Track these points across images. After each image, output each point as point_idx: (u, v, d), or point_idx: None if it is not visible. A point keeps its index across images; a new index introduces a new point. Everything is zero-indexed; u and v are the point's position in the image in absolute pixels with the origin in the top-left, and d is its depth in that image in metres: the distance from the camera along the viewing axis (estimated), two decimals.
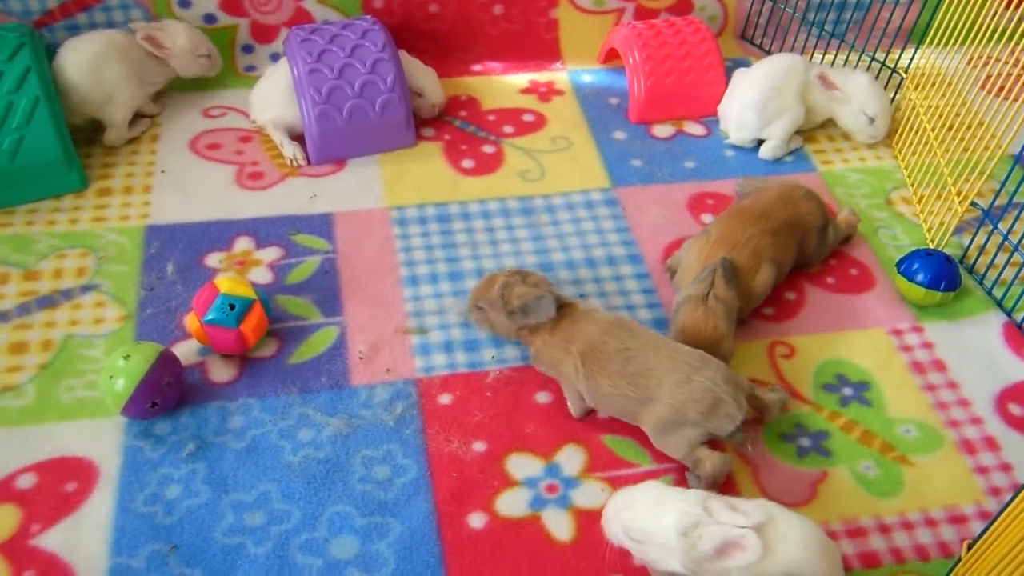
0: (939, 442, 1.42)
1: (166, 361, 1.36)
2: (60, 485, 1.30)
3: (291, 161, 1.83)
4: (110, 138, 1.84)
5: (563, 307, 1.39)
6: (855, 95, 1.92)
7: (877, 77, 2.11)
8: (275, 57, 2.06)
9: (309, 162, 1.84)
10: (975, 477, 1.38)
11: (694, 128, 2.01)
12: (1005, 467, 1.39)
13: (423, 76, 1.93)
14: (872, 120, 1.92)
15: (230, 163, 1.84)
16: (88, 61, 1.78)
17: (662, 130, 1.99)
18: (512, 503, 1.31)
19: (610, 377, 1.32)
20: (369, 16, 1.94)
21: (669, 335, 1.46)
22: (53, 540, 1.24)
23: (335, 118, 1.79)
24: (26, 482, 1.30)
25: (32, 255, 1.62)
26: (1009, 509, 1.03)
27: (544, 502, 1.32)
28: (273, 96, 1.85)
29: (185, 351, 1.48)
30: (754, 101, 1.90)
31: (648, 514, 1.13)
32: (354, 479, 1.33)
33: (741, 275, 1.49)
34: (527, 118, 2.01)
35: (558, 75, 2.14)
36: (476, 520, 1.29)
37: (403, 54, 1.92)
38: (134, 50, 1.86)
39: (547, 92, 2.09)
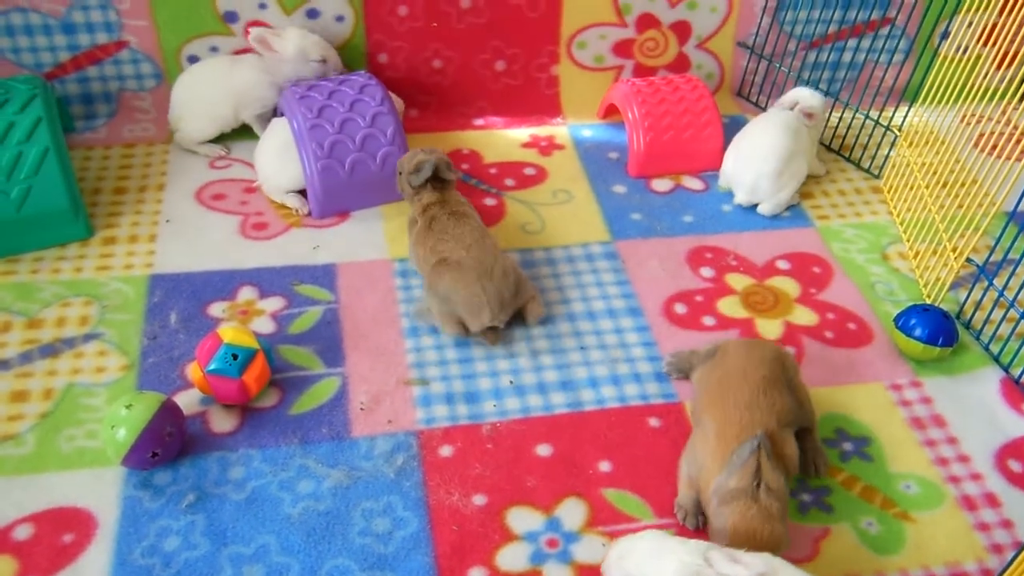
0: (940, 498, 1.42)
1: (168, 411, 1.36)
2: (58, 536, 1.29)
3: (297, 211, 1.86)
4: (177, 138, 1.99)
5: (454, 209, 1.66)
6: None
7: (871, 135, 2.15)
8: None
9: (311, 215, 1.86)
10: (976, 534, 1.38)
11: (692, 183, 2.04)
12: (1006, 524, 1.39)
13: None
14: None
15: (235, 213, 1.87)
16: (180, 81, 1.97)
17: (661, 184, 2.03)
18: (513, 558, 1.31)
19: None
20: (364, 71, 1.98)
21: (712, 537, 1.26)
22: None
23: (338, 172, 1.82)
24: (23, 533, 1.29)
25: (36, 303, 1.63)
26: (1012, 567, 1.03)
27: (545, 557, 1.31)
28: (272, 167, 1.86)
29: (186, 401, 1.48)
30: (774, 170, 1.91)
31: (648, 563, 1.13)
32: (354, 532, 1.32)
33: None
34: (528, 171, 2.04)
35: (559, 130, 2.18)
36: (477, 575, 1.28)
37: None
38: (231, 75, 1.95)
39: (548, 146, 2.12)
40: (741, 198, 1.96)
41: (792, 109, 1.98)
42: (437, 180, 1.68)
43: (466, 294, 1.56)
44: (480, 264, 1.58)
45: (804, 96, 2.00)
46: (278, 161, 1.85)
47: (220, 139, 2.02)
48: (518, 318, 1.66)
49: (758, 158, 1.93)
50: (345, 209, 1.87)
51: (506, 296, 1.59)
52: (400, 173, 1.74)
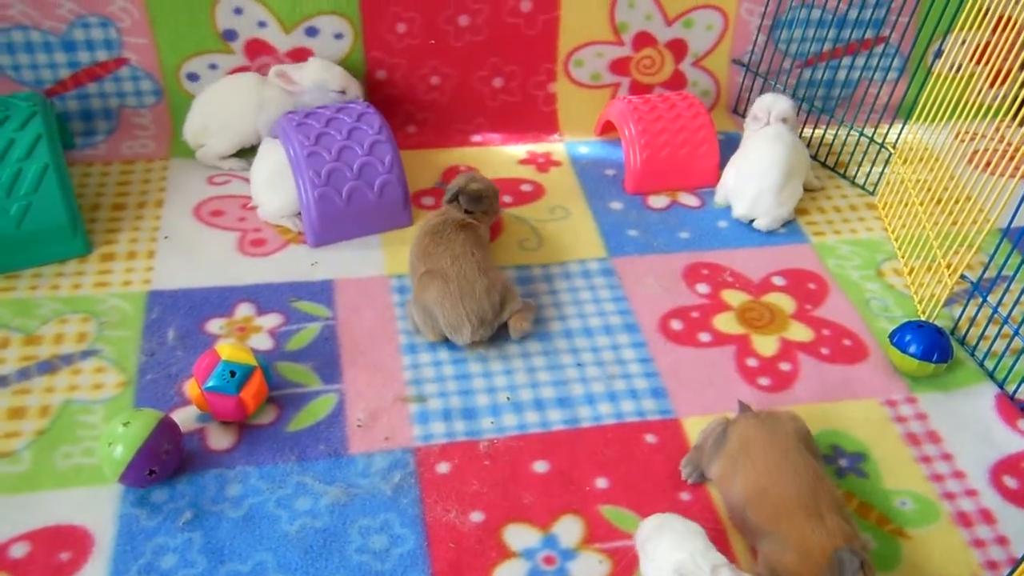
0: (935, 515, 1.43)
1: (165, 428, 1.37)
2: (54, 554, 1.29)
3: (298, 231, 1.86)
4: (199, 154, 2.01)
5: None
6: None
7: (865, 152, 2.17)
8: None
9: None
10: (972, 551, 1.38)
11: (688, 199, 2.05)
12: (1001, 540, 1.40)
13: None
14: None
15: (233, 229, 1.87)
16: (208, 95, 1.99)
17: (657, 201, 2.04)
18: (510, 575, 1.31)
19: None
20: (362, 100, 1.98)
21: None
22: None
23: (334, 200, 1.80)
24: (19, 551, 1.29)
25: (34, 319, 1.64)
26: None
27: (542, 574, 1.31)
28: (264, 195, 1.87)
29: (184, 418, 1.48)
30: (776, 184, 1.93)
31: (662, 546, 1.18)
32: (351, 549, 1.32)
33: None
34: (525, 188, 2.05)
35: (556, 146, 2.19)
36: None
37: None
38: (260, 92, 1.97)
39: (545, 163, 2.14)
40: (740, 211, 1.97)
41: (770, 121, 2.00)
42: (466, 199, 1.76)
43: (448, 310, 1.59)
44: (463, 279, 1.60)
45: (771, 102, 2.03)
46: (269, 188, 1.85)
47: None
48: (507, 331, 1.66)
49: (760, 173, 1.94)
50: (341, 238, 1.85)
51: (488, 314, 1.60)
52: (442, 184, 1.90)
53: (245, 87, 1.98)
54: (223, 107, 1.97)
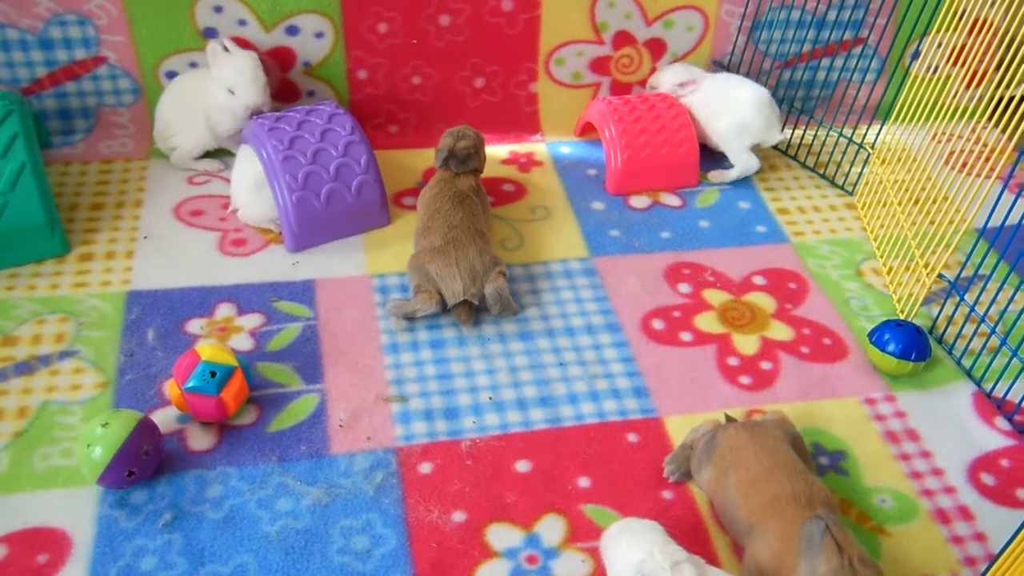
0: (914, 512, 1.44)
1: (145, 429, 1.36)
2: (32, 557, 1.28)
3: (279, 231, 1.85)
4: (172, 158, 1.98)
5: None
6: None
7: (844, 152, 2.19)
8: None
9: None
10: (950, 547, 1.39)
11: (670, 199, 2.06)
12: (979, 537, 1.41)
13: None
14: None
15: (213, 229, 1.86)
16: (165, 94, 1.96)
17: (639, 201, 2.04)
18: (492, 575, 1.30)
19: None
20: (330, 100, 1.96)
21: None
22: None
23: (313, 203, 1.79)
24: None
25: (11, 320, 1.62)
26: None
27: (524, 573, 1.31)
28: (248, 203, 1.84)
29: (163, 418, 1.47)
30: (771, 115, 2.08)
31: (620, 548, 1.19)
32: (333, 550, 1.32)
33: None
34: (507, 188, 2.05)
35: (537, 146, 2.20)
36: None
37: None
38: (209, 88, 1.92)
39: (527, 163, 2.14)
40: (746, 141, 2.06)
41: (678, 89, 2.12)
42: (455, 161, 1.85)
43: (442, 267, 1.67)
44: (458, 244, 1.70)
45: (671, 73, 2.15)
46: (254, 194, 1.82)
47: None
48: (493, 325, 1.67)
49: (754, 102, 2.05)
50: (319, 241, 1.83)
51: (478, 271, 1.68)
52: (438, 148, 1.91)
53: (196, 84, 1.94)
54: (179, 105, 1.94)
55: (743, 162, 2.08)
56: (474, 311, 1.69)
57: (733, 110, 2.05)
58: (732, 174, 2.10)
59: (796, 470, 1.31)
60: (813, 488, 1.28)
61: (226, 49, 1.89)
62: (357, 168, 1.83)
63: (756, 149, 2.10)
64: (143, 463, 1.35)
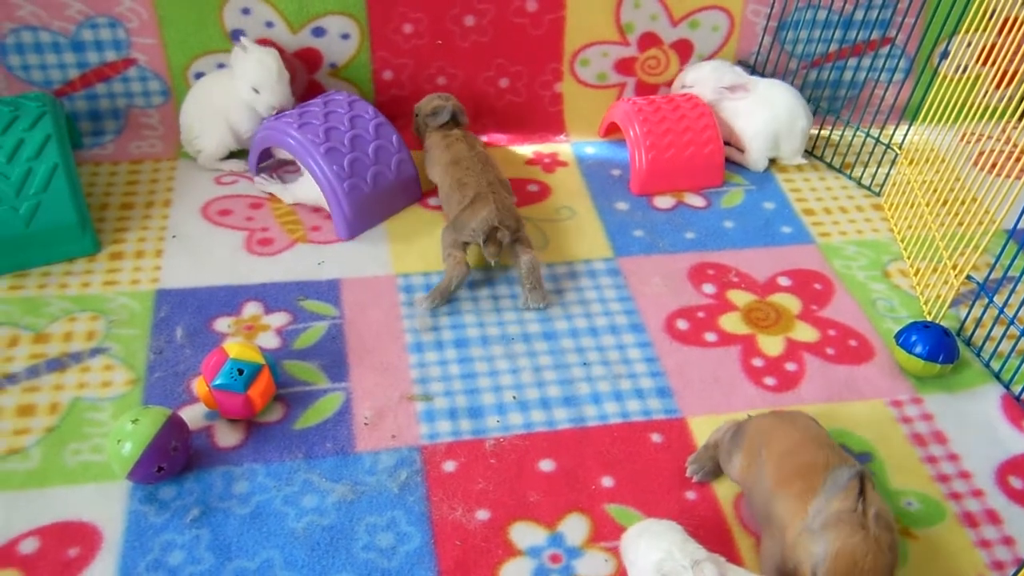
0: (941, 515, 1.43)
1: (174, 425, 1.37)
2: (63, 550, 1.30)
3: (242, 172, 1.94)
4: (199, 160, 2.01)
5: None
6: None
7: (872, 153, 2.17)
8: None
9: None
10: (978, 551, 1.38)
11: (694, 200, 2.05)
12: (1007, 541, 1.40)
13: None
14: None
15: (240, 229, 1.88)
16: (193, 94, 1.99)
17: (663, 201, 2.04)
18: (516, 573, 1.31)
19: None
20: (341, 91, 1.98)
21: (800, 568, 1.14)
22: None
23: (362, 187, 1.85)
24: (29, 547, 1.30)
25: (43, 318, 1.65)
26: None
27: (548, 572, 1.31)
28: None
29: (192, 415, 1.49)
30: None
31: (640, 548, 1.18)
32: (358, 547, 1.33)
33: None
34: (532, 188, 2.06)
35: (562, 147, 2.20)
36: None
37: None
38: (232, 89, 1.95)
39: (551, 163, 2.14)
40: (770, 151, 2.11)
41: (725, 92, 2.12)
42: (453, 122, 1.95)
43: (480, 207, 1.75)
44: (495, 190, 1.80)
45: (713, 72, 2.13)
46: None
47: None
48: (517, 325, 1.67)
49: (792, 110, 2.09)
50: (369, 225, 1.89)
51: (512, 211, 1.78)
52: (417, 115, 2.01)
53: (216, 85, 1.97)
54: (201, 108, 1.97)
55: (754, 161, 2.13)
56: (502, 249, 1.75)
57: (771, 117, 2.08)
58: (741, 158, 2.15)
59: (828, 444, 1.30)
60: (847, 462, 1.25)
61: (244, 48, 1.91)
62: (392, 147, 1.90)
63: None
64: (172, 459, 1.36)
